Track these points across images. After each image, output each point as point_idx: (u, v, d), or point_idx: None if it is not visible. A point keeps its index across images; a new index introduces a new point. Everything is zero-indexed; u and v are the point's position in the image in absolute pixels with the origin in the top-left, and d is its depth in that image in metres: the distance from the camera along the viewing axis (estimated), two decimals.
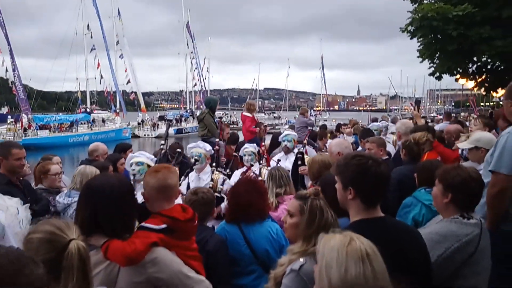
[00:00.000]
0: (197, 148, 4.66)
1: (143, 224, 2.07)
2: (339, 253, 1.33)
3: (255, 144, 5.51)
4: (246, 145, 5.39)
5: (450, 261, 2.09)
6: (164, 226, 2.02)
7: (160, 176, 2.17)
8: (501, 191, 2.72)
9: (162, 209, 2.13)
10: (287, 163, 5.49)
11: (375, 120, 16.67)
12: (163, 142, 4.45)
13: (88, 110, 43.60)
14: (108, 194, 1.98)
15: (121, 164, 4.71)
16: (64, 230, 1.47)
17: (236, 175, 5.07)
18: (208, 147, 4.76)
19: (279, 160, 5.34)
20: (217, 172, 4.60)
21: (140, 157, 4.04)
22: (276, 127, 44.54)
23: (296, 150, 5.91)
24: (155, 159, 4.12)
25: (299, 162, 5.01)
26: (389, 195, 2.76)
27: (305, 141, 6.87)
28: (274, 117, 68.97)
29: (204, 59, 62.16)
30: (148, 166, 3.86)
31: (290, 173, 4.44)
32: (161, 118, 51.22)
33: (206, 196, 2.91)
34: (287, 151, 5.86)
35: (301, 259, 1.87)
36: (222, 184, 4.41)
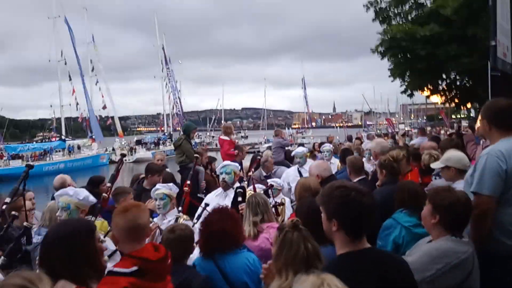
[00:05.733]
0: (65, 196, 3.38)
1: (111, 268, 1.95)
2: None
3: (171, 184, 4.27)
4: (158, 185, 4.21)
5: (450, 276, 2.16)
6: (134, 268, 1.89)
7: (129, 216, 2.08)
8: (484, 212, 2.75)
9: (133, 250, 2.02)
10: (227, 200, 4.35)
11: (350, 138, 16.91)
12: (8, 200, 3.15)
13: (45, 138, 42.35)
14: (50, 241, 1.90)
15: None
16: (36, 283, 1.40)
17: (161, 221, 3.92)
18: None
19: (206, 205, 4.08)
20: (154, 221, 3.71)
21: None
22: (255, 147, 44.49)
23: (237, 185, 4.68)
24: None
25: (239, 199, 4.01)
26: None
27: (251, 173, 5.89)
28: (242, 136, 67.44)
29: (176, 81, 62.01)
30: None
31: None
32: (138, 142, 50.53)
33: (184, 233, 2.76)
34: (226, 187, 4.70)
35: None
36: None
